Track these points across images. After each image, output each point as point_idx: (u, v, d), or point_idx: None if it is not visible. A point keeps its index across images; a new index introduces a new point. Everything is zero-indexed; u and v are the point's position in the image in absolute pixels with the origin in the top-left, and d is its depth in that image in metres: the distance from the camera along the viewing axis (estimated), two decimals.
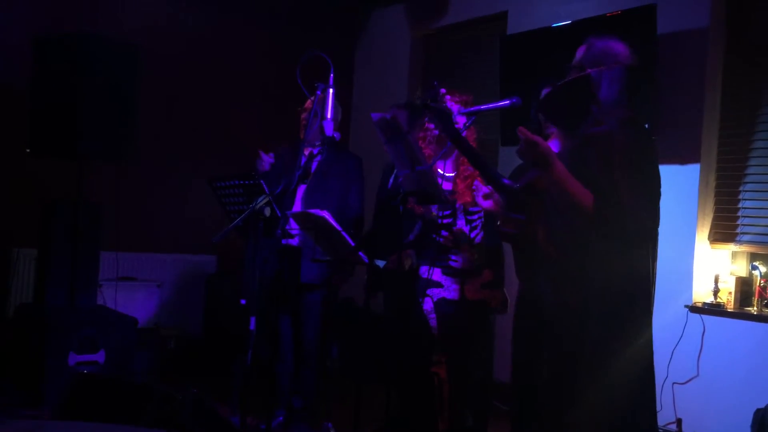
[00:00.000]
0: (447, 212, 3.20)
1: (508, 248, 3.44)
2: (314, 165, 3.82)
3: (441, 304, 3.28)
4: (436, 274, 3.30)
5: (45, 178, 4.67)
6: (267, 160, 3.68)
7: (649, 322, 2.36)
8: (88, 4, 5.07)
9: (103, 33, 4.29)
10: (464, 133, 2.80)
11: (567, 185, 2.24)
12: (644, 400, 2.33)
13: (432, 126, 3.33)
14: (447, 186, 3.31)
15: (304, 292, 3.79)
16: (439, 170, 3.33)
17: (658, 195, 2.31)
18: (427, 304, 3.33)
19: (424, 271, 3.33)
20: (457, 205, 3.26)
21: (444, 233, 3.15)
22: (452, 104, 3.13)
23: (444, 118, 2.47)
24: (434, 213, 3.21)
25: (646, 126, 3.89)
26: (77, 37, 4.13)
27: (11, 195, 4.75)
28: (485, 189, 2.97)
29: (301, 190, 3.79)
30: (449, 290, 3.28)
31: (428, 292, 3.32)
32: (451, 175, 3.35)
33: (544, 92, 3.17)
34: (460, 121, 3.07)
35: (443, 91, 2.58)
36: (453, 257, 3.25)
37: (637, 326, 2.31)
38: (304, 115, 3.87)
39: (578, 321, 2.30)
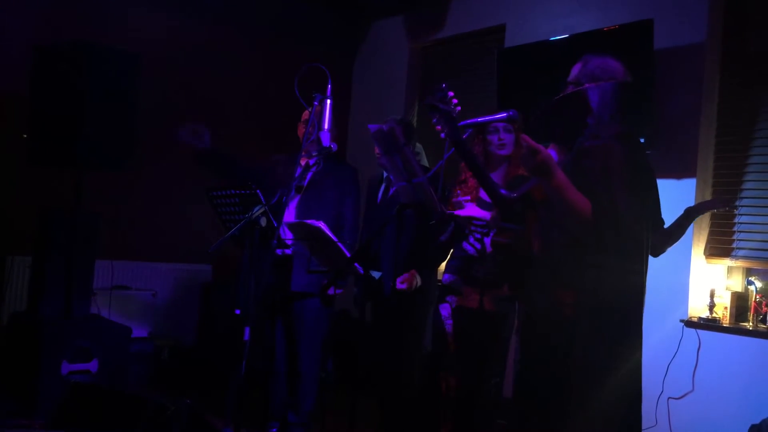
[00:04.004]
0: (482, 222, 3.16)
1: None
2: (309, 176, 3.82)
3: (459, 312, 3.30)
4: (456, 282, 3.32)
5: (41, 185, 4.65)
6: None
7: (640, 336, 2.37)
8: (89, 12, 5.08)
9: (104, 41, 4.29)
10: None
11: (567, 193, 2.23)
12: (631, 420, 2.34)
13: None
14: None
15: (295, 303, 3.77)
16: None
17: (650, 211, 2.34)
18: (445, 310, 3.35)
19: (446, 278, 3.36)
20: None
21: (476, 244, 3.12)
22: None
23: (450, 122, 2.46)
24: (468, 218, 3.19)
25: (641, 140, 3.90)
26: (78, 45, 4.12)
27: (7, 201, 4.73)
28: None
29: (296, 200, 3.78)
30: (468, 299, 3.28)
31: (447, 298, 3.34)
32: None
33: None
34: None
35: (451, 93, 2.58)
36: (476, 268, 3.24)
37: (628, 340, 2.32)
38: (302, 129, 3.89)
39: (571, 331, 2.30)
